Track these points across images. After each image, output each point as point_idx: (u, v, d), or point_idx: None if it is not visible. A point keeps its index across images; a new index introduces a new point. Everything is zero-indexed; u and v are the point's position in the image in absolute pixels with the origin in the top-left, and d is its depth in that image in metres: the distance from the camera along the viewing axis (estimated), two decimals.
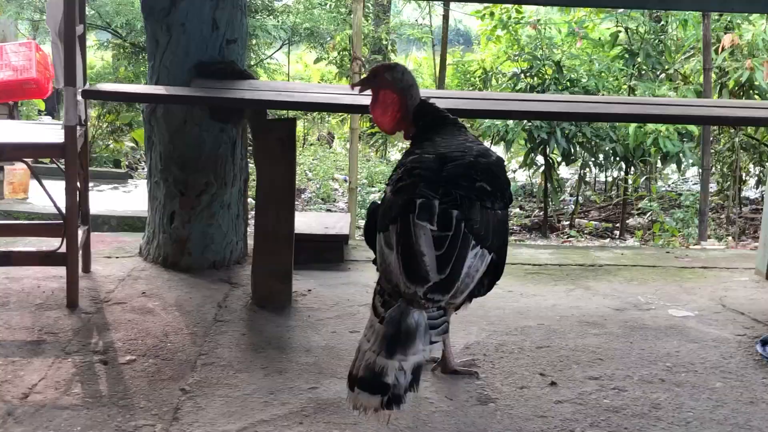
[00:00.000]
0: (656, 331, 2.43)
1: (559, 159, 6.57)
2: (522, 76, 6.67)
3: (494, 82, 7.44)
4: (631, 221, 6.84)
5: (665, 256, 3.52)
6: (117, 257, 3.10)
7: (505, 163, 1.93)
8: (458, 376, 2.05)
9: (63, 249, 2.43)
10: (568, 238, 6.27)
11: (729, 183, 6.59)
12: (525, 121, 6.02)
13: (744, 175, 6.81)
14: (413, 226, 1.69)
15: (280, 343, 2.24)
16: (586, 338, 2.34)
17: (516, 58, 6.86)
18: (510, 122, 6.19)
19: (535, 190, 7.42)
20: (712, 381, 2.05)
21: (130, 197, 6.53)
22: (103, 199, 6.13)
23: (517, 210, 7.23)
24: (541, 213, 6.89)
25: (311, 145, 10.06)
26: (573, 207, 7.05)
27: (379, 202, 1.89)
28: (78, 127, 2.46)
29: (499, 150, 6.70)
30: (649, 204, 6.52)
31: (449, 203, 1.72)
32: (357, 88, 2.08)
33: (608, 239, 6.27)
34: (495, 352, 2.20)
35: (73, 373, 2.00)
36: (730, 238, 5.86)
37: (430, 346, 1.63)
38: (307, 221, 3.39)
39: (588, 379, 2.04)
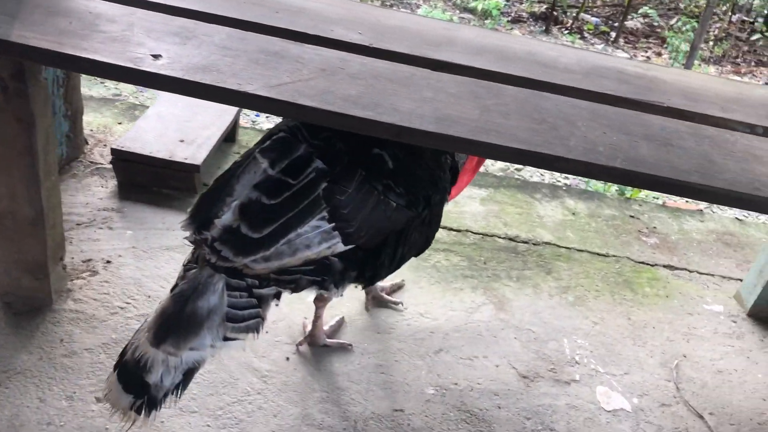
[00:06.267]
0: None
1: None
2: None
3: None
4: (630, 23, 6.57)
5: (626, 225, 2.63)
6: None
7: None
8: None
9: None
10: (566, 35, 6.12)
11: None
12: None
13: None
14: (249, 158, 1.30)
15: None
16: None
17: None
18: None
19: None
20: None
21: None
22: None
23: None
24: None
25: None
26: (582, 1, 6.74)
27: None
28: None
29: None
30: (649, 8, 6.67)
31: (319, 152, 1.28)
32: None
33: (603, 44, 6.08)
34: None
35: None
36: (711, 68, 5.77)
37: (222, 345, 1.19)
38: (163, 121, 2.41)
39: None
